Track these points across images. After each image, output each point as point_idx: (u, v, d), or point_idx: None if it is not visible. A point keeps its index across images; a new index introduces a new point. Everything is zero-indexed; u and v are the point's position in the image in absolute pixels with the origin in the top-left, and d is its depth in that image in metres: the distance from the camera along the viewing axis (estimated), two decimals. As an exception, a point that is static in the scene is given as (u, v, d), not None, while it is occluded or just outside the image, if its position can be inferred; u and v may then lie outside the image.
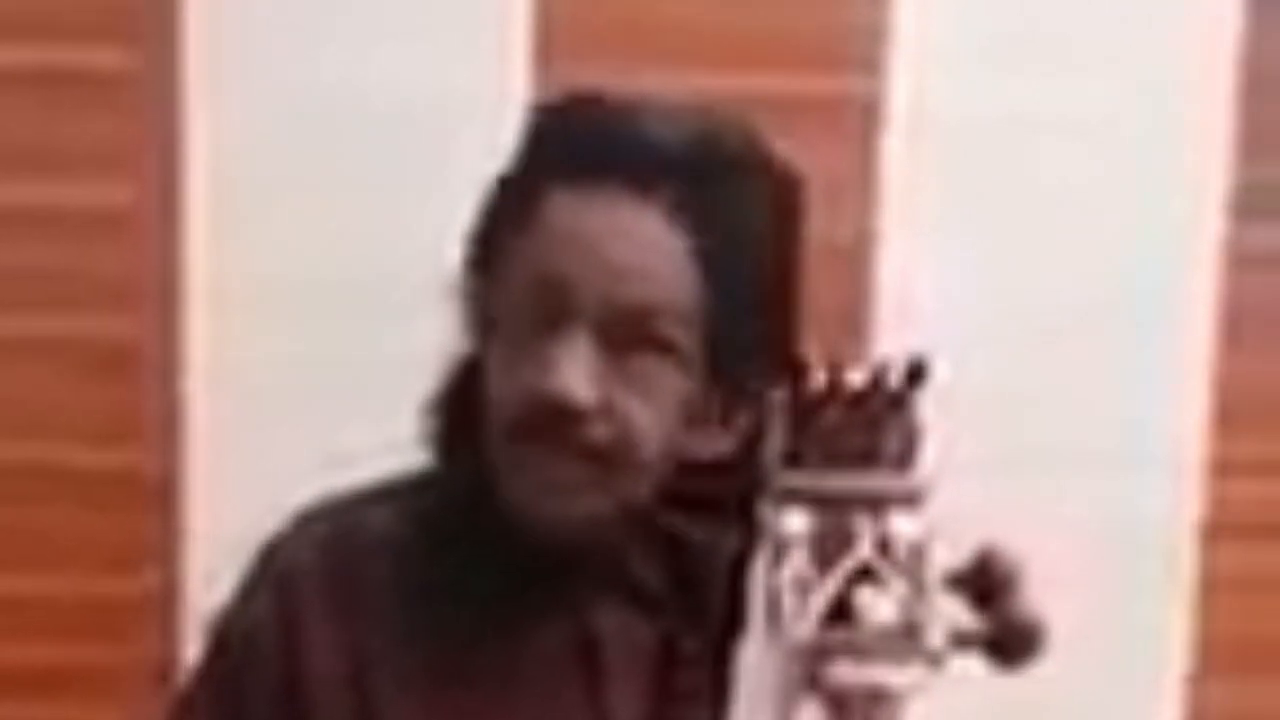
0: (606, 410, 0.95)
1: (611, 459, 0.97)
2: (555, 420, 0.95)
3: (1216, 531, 1.97)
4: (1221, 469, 1.96)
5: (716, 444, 1.00)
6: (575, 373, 0.94)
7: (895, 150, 1.90)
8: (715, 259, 0.96)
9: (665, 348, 0.96)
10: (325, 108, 1.87)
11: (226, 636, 1.08)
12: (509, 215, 1.00)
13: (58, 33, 1.87)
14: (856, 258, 1.91)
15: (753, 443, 0.93)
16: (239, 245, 1.89)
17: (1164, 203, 1.93)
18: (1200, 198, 1.92)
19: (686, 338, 0.97)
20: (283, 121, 1.87)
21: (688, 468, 1.00)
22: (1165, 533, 1.96)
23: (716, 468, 1.00)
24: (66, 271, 1.91)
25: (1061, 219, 1.92)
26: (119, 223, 1.89)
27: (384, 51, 1.88)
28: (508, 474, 0.98)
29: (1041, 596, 0.84)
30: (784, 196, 1.01)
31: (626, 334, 0.95)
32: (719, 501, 0.99)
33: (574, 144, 0.98)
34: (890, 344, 1.88)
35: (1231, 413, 1.95)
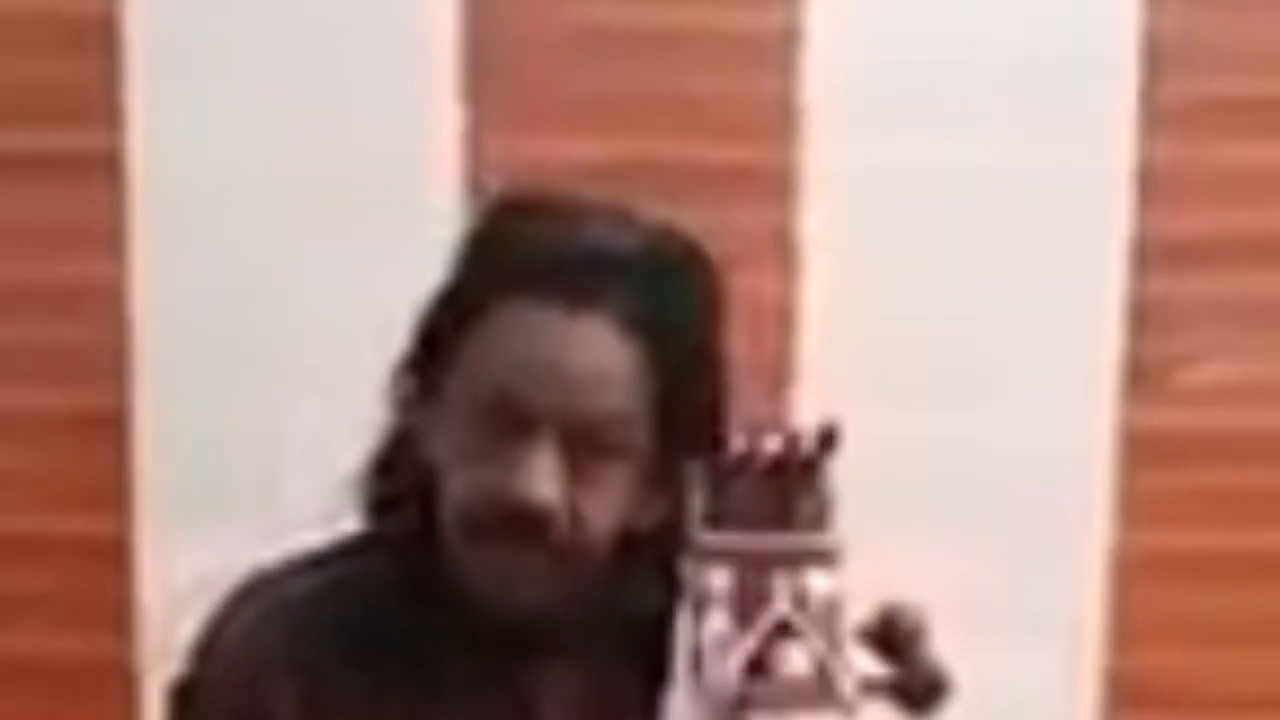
0: (567, 511, 1.00)
1: (569, 554, 1.01)
2: (521, 521, 0.98)
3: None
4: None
5: (654, 513, 1.04)
6: (542, 477, 0.98)
7: (811, 209, 1.95)
8: (663, 359, 1.01)
9: (618, 451, 1.01)
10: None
11: (190, 700, 1.09)
12: (455, 322, 1.03)
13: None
14: (780, 319, 1.96)
15: (679, 504, 0.98)
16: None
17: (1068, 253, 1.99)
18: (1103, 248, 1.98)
19: (636, 437, 1.01)
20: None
21: (625, 535, 1.04)
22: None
23: (648, 531, 1.04)
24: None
25: (969, 269, 1.98)
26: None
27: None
28: (468, 566, 1.02)
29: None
30: (713, 284, 1.06)
31: (584, 442, 0.99)
32: (647, 561, 1.03)
33: (521, 255, 1.01)
34: (811, 396, 1.95)
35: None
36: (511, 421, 0.99)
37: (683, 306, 1.03)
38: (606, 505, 1.01)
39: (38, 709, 1.98)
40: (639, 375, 1.00)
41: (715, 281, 1.06)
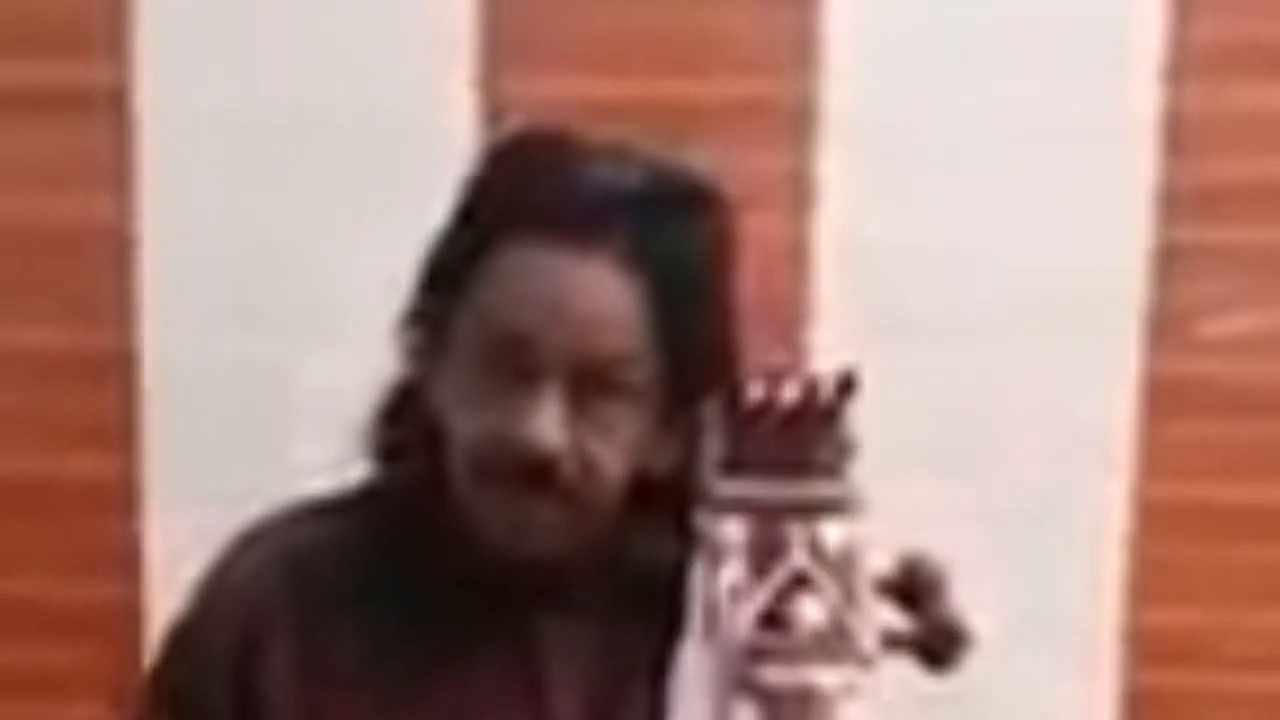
0: (575, 455, 0.99)
1: (579, 499, 1.00)
2: (528, 466, 0.98)
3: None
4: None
5: (667, 457, 1.03)
6: (548, 421, 0.97)
7: (828, 154, 1.92)
8: (667, 297, 0.99)
9: (626, 391, 1.00)
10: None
11: (187, 640, 1.09)
12: (460, 263, 1.02)
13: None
14: (797, 255, 1.93)
15: (693, 452, 0.96)
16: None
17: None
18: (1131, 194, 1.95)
19: (644, 377, 1.00)
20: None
21: (636, 482, 1.03)
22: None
23: (661, 478, 1.03)
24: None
25: (988, 212, 1.94)
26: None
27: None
28: (479, 512, 1.01)
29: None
30: (722, 222, 1.04)
31: (591, 383, 0.99)
32: (660, 511, 1.02)
33: (526, 196, 1.00)
34: (829, 339, 1.93)
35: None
36: (517, 364, 0.98)
37: (689, 244, 1.01)
38: (616, 448, 1.00)
39: (44, 652, 1.98)
40: (645, 314, 0.99)
41: (723, 218, 1.04)
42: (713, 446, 0.83)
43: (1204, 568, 2.02)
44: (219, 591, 1.09)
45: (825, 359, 1.88)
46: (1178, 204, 1.95)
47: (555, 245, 0.98)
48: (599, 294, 0.98)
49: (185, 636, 1.09)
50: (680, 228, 1.01)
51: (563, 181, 1.00)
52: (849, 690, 0.79)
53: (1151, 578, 2.00)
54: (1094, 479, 1.98)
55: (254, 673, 1.05)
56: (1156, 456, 1.99)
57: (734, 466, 0.82)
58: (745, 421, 0.83)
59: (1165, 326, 1.97)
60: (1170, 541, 2.00)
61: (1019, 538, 1.94)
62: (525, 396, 0.98)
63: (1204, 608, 2.03)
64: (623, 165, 1.01)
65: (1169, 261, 1.95)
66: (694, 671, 0.83)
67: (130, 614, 1.94)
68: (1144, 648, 2.02)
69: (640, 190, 1.00)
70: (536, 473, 0.98)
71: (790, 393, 0.83)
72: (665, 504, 1.00)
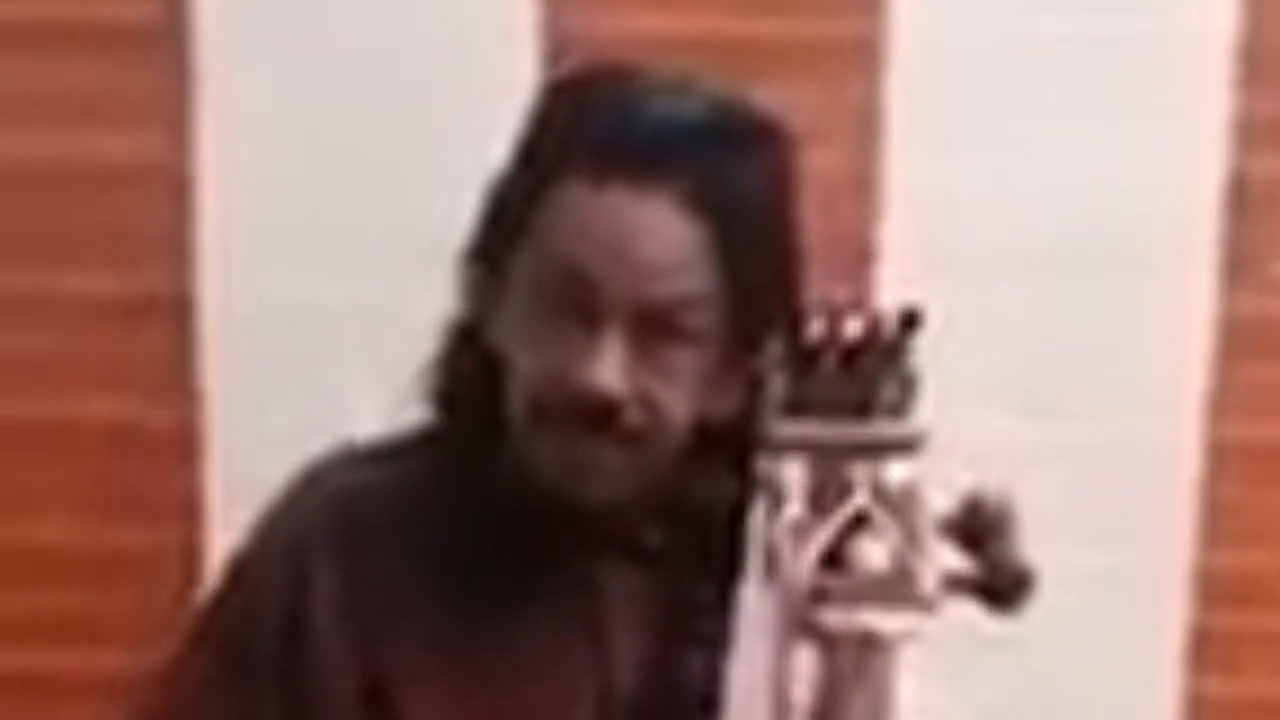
0: (638, 399, 0.98)
1: (643, 443, 1.00)
2: (589, 409, 0.97)
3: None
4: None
5: (730, 400, 1.02)
6: (610, 365, 0.96)
7: (895, 91, 1.89)
8: (730, 238, 0.98)
9: (689, 335, 0.99)
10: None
11: (241, 574, 1.10)
12: (521, 201, 1.01)
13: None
14: (862, 192, 1.91)
15: (756, 395, 0.95)
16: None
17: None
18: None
19: (708, 320, 0.99)
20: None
21: (699, 426, 1.02)
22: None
23: (716, 434, 1.02)
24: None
25: (1058, 144, 1.91)
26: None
27: None
28: (537, 453, 1.01)
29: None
30: (785, 159, 1.03)
31: (654, 326, 0.98)
32: (721, 452, 1.01)
33: (586, 133, 0.98)
34: (896, 276, 1.90)
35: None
36: (579, 305, 0.97)
37: (752, 182, 1.00)
38: (679, 391, 0.99)
39: (102, 596, 1.99)
40: (708, 256, 0.98)
41: (786, 154, 1.03)
42: (774, 387, 0.82)
43: (1275, 510, 1.99)
44: (273, 530, 1.10)
45: (890, 297, 1.86)
46: (1253, 134, 1.90)
47: (617, 183, 0.97)
48: (662, 236, 0.97)
49: (239, 572, 1.10)
50: (743, 165, 0.99)
51: (623, 118, 0.98)
52: (910, 635, 0.77)
53: (1221, 520, 1.97)
54: (1165, 420, 1.95)
55: (303, 610, 1.05)
56: (1229, 398, 1.95)
57: (796, 406, 0.81)
58: (807, 359, 0.81)
59: (1239, 264, 1.93)
60: (1241, 484, 1.97)
61: (1088, 478, 1.91)
62: (587, 339, 0.97)
63: (1274, 550, 2.00)
64: (684, 101, 1.00)
65: (1243, 195, 1.91)
66: (754, 614, 0.82)
67: (189, 557, 1.95)
68: (1212, 590, 1.99)
69: (702, 127, 0.99)
70: (597, 415, 0.97)
71: (853, 329, 0.81)
72: (727, 448, 0.99)
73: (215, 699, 1.07)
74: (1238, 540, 1.98)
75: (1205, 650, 2.00)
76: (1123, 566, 1.94)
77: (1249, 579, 2.00)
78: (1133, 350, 1.93)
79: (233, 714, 1.06)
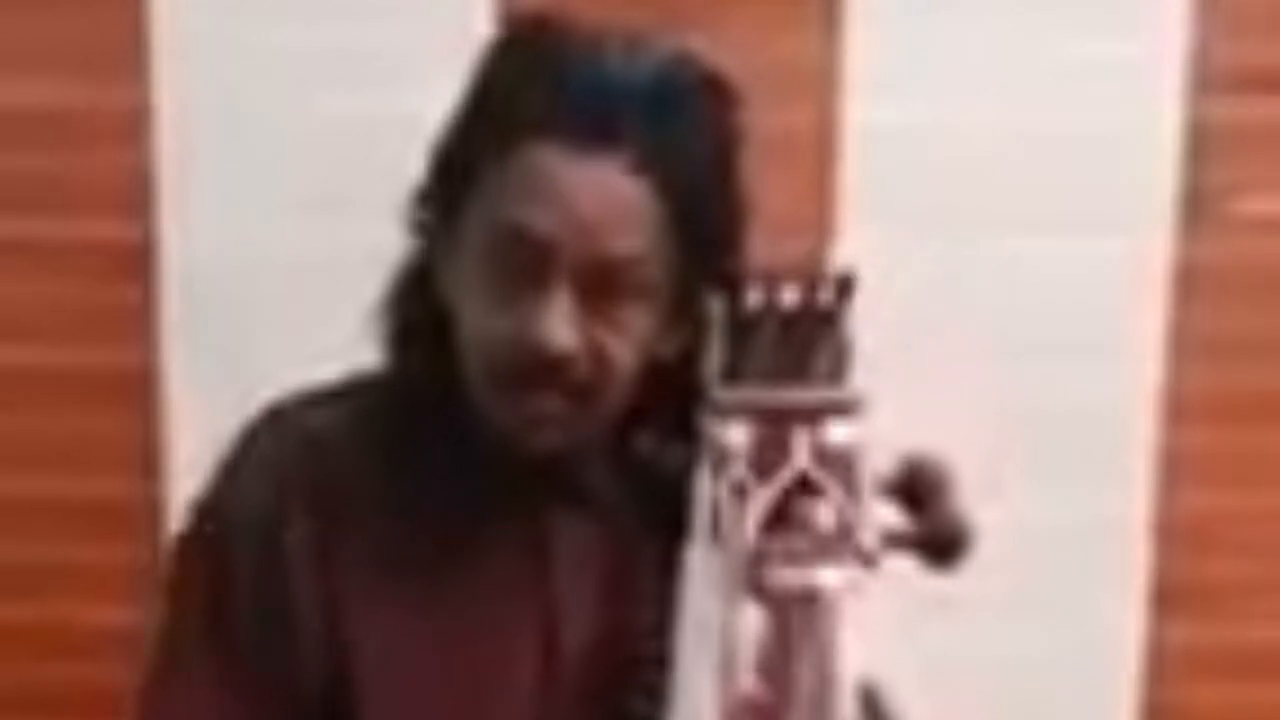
0: (587, 353, 1.00)
1: (592, 393, 1.01)
2: (542, 366, 0.99)
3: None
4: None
5: (676, 341, 1.04)
6: (559, 323, 0.98)
7: (855, 43, 1.90)
8: (678, 194, 0.99)
9: (637, 290, 1.00)
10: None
11: (215, 506, 1.10)
12: (472, 155, 1.02)
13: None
14: (820, 147, 1.91)
15: (693, 348, 0.97)
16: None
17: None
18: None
19: (655, 276, 1.01)
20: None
21: (645, 370, 1.04)
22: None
23: (661, 377, 1.04)
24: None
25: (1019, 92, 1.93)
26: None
27: None
28: (489, 408, 1.03)
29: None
30: (733, 117, 1.04)
31: (603, 283, 0.99)
32: (668, 403, 1.03)
33: (535, 96, 0.99)
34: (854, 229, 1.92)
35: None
36: (529, 266, 0.99)
37: (699, 140, 1.01)
38: (627, 344, 1.01)
39: (64, 548, 2.02)
40: (656, 214, 0.99)
41: (732, 108, 1.04)
42: (714, 352, 0.84)
43: (1240, 452, 2.02)
44: (244, 464, 1.10)
45: (849, 249, 1.88)
46: (1211, 81, 1.92)
47: (566, 147, 0.98)
48: (610, 196, 0.98)
49: (213, 503, 1.10)
50: (691, 124, 1.00)
51: (573, 80, 0.99)
52: (852, 589, 0.79)
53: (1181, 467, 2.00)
54: (1123, 369, 1.97)
55: (277, 545, 1.06)
56: (1188, 341, 1.97)
57: (736, 371, 0.83)
58: (746, 325, 0.83)
59: (1198, 207, 1.94)
60: (1203, 428, 2.00)
61: (1043, 430, 1.93)
62: (537, 300, 0.98)
63: (1231, 493, 2.03)
64: (632, 61, 1.00)
65: (1202, 140, 1.93)
66: (700, 573, 0.84)
67: (152, 509, 1.98)
68: (1174, 537, 2.02)
69: (650, 89, 0.99)
70: (549, 372, 0.99)
71: (790, 296, 0.83)
72: (673, 395, 1.00)
73: (199, 667, 1.07)
74: (1198, 486, 2.01)
75: (1170, 599, 2.03)
76: (1086, 519, 1.97)
77: (1209, 523, 2.03)
78: (1090, 298, 1.95)
79: (214, 681, 1.07)
